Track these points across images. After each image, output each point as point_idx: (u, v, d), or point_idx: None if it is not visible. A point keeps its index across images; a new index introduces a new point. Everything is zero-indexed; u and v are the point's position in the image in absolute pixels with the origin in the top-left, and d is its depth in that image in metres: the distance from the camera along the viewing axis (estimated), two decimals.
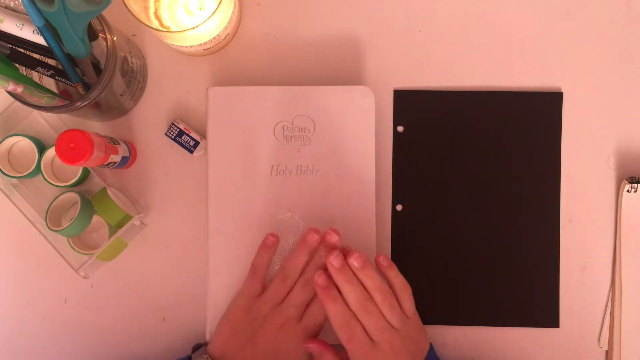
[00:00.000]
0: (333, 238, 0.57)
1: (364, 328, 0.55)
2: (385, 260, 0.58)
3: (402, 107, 0.64)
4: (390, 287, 0.57)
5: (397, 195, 0.64)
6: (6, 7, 0.52)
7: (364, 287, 0.56)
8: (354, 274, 0.56)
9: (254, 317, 0.57)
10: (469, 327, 0.63)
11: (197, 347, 0.58)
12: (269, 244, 0.59)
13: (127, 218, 0.61)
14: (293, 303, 0.57)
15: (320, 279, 0.56)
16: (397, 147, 0.64)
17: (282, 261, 0.60)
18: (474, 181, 0.63)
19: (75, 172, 0.61)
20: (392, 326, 0.56)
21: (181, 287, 0.63)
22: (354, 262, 0.56)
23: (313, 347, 0.56)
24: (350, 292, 0.55)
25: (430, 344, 0.57)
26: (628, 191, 0.62)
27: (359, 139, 0.60)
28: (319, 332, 0.58)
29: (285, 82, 0.64)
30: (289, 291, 0.58)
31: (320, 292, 0.56)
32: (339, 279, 0.56)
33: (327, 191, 0.60)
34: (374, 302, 0.56)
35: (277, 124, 0.61)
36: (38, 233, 0.60)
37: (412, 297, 0.58)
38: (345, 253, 0.57)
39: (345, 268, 0.56)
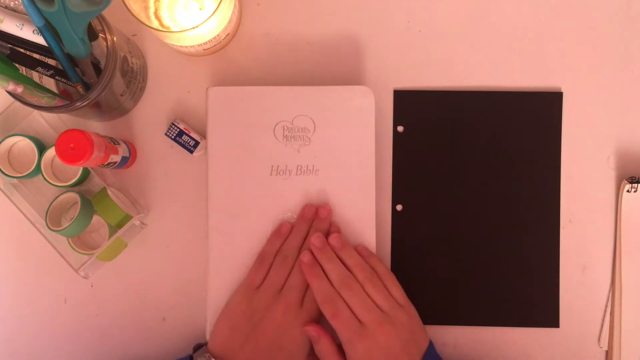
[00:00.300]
0: (324, 210, 0.59)
1: (350, 309, 0.55)
2: (365, 250, 0.59)
3: (402, 107, 0.64)
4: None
5: (397, 195, 0.64)
6: (6, 7, 0.52)
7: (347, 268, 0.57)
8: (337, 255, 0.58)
9: (253, 312, 0.56)
10: (469, 327, 0.63)
11: (198, 347, 0.58)
12: (283, 231, 0.59)
13: (127, 218, 0.61)
14: (293, 285, 0.57)
15: (305, 258, 0.58)
16: (397, 147, 0.64)
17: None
18: (474, 181, 0.63)
19: (75, 172, 0.61)
20: (379, 307, 0.56)
21: (181, 287, 0.63)
22: (333, 241, 0.58)
23: (310, 330, 0.56)
24: (332, 270, 0.57)
25: (430, 342, 0.57)
26: (628, 191, 0.62)
27: (359, 139, 0.60)
28: (321, 317, 0.57)
29: (285, 82, 0.64)
30: (289, 274, 0.58)
31: (305, 269, 0.57)
32: (320, 257, 0.57)
33: (327, 191, 0.60)
34: (356, 280, 0.57)
35: (277, 124, 0.61)
36: (38, 233, 0.60)
37: (398, 284, 0.58)
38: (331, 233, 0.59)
39: (327, 247, 0.58)
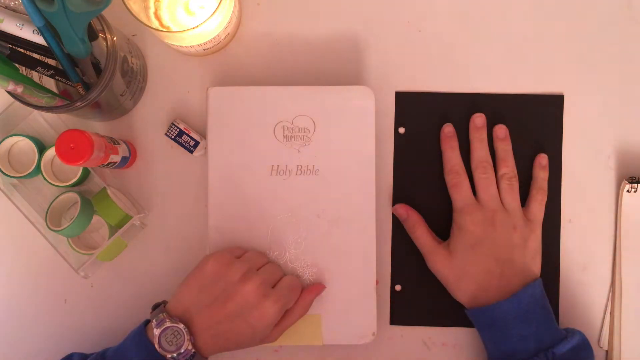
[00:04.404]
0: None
1: (476, 190, 0.59)
2: (542, 159, 0.61)
3: (404, 109, 0.64)
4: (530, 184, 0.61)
5: (397, 196, 0.64)
6: (6, 7, 0.52)
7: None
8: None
9: (226, 277, 0.54)
10: (469, 328, 0.63)
11: (157, 306, 0.56)
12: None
13: (127, 218, 0.61)
14: (270, 270, 0.57)
15: (447, 128, 0.61)
16: (398, 148, 0.64)
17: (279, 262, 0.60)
18: (474, 183, 0.63)
19: (75, 172, 0.61)
20: (503, 204, 0.58)
21: None
22: (498, 131, 0.61)
23: (398, 208, 0.61)
24: (477, 149, 0.60)
25: (540, 279, 0.58)
26: (628, 191, 0.62)
27: (359, 139, 0.60)
28: (288, 306, 0.57)
29: (285, 82, 0.64)
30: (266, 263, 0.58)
31: (443, 138, 0.61)
32: (473, 135, 0.60)
33: (327, 191, 0.60)
34: (493, 169, 0.60)
35: (277, 124, 0.60)
36: (38, 233, 0.60)
37: (544, 203, 0.60)
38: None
39: (484, 130, 0.61)
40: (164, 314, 0.53)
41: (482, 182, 0.59)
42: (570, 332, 0.57)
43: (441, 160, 0.63)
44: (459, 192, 0.59)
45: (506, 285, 0.57)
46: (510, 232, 0.58)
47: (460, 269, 0.58)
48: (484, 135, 0.61)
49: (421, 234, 0.61)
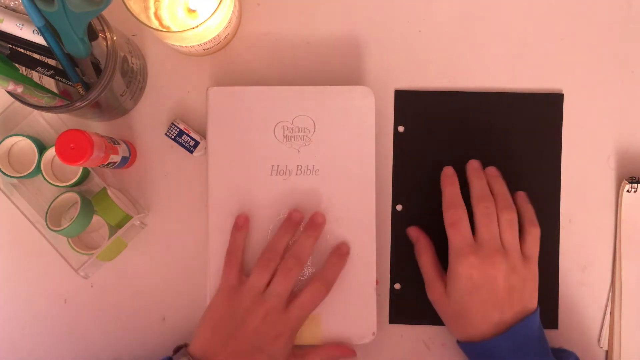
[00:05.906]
0: (319, 217, 0.59)
1: (475, 227, 0.56)
2: (520, 195, 0.60)
3: (403, 108, 0.64)
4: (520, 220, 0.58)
5: (397, 195, 0.64)
6: (6, 7, 0.52)
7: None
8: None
9: (234, 313, 0.56)
10: None
11: (179, 349, 0.57)
12: (240, 224, 0.59)
13: (127, 218, 0.61)
14: (277, 291, 0.56)
15: (447, 170, 0.60)
16: (398, 147, 0.64)
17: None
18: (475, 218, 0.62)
19: (75, 172, 0.61)
20: (502, 241, 0.55)
21: (181, 287, 0.63)
22: (490, 170, 0.60)
23: (410, 231, 0.61)
24: (476, 185, 0.58)
25: (538, 307, 0.56)
26: (628, 191, 0.62)
27: (359, 139, 0.60)
28: (302, 324, 0.57)
29: (285, 82, 0.64)
30: (271, 279, 0.57)
31: (443, 178, 0.60)
32: (472, 174, 0.59)
33: (327, 191, 0.60)
34: (494, 204, 0.57)
35: (277, 124, 0.61)
36: (38, 233, 0.60)
37: (538, 239, 0.57)
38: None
39: (481, 170, 0.60)
40: (189, 356, 0.54)
41: (484, 218, 0.56)
42: (565, 356, 0.57)
43: (440, 159, 0.63)
44: (458, 231, 0.56)
45: (502, 323, 0.55)
46: (509, 275, 0.55)
47: (457, 311, 0.57)
48: (481, 174, 0.60)
49: (424, 262, 0.60)
